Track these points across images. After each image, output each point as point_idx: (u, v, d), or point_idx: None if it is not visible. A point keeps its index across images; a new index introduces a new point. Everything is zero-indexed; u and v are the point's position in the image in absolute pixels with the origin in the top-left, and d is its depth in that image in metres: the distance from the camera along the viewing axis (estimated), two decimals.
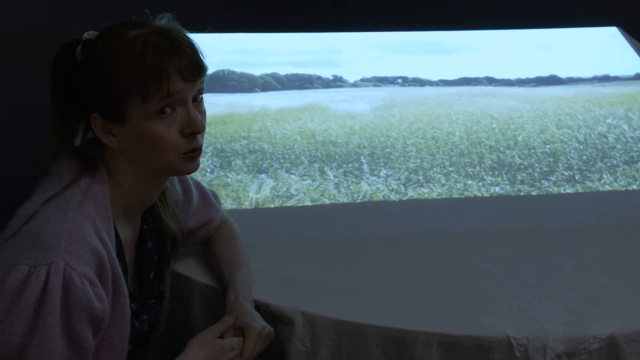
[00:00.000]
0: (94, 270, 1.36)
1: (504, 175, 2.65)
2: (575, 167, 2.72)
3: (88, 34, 1.45)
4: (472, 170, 2.69)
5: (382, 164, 2.75)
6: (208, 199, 1.87)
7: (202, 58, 1.47)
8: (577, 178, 2.63)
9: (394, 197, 2.51)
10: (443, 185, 2.58)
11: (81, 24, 1.53)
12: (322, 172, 2.66)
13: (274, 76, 3.77)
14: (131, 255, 1.58)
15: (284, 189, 2.54)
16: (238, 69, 3.81)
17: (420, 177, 2.63)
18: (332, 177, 2.62)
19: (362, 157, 2.80)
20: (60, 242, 1.34)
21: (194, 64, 1.44)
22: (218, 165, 2.73)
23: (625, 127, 3.12)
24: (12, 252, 1.35)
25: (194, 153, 1.47)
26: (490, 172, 2.67)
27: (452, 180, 2.62)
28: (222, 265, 1.82)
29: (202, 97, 1.50)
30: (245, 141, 2.96)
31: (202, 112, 1.49)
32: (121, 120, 1.42)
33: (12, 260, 1.33)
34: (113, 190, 1.48)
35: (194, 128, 1.44)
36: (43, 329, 1.31)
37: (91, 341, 1.38)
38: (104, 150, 1.48)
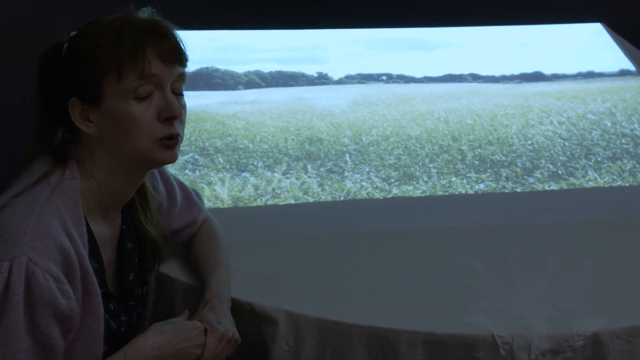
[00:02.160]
0: (60, 266, 1.34)
1: (488, 172, 2.64)
2: (560, 164, 2.72)
3: (74, 33, 1.46)
4: (456, 167, 2.68)
5: (366, 161, 2.74)
6: (192, 199, 1.85)
7: (184, 46, 1.46)
8: (561, 174, 2.63)
9: (378, 194, 2.50)
10: (427, 182, 2.57)
11: (69, 22, 1.53)
12: (306, 170, 2.65)
13: (258, 73, 3.75)
14: (111, 255, 1.56)
15: (267, 188, 2.53)
16: (222, 67, 3.80)
17: (404, 175, 2.62)
18: (315, 175, 2.61)
19: (346, 155, 2.79)
20: (24, 237, 1.32)
21: (174, 48, 1.43)
22: (200, 163, 2.71)
23: (609, 123, 3.13)
24: None
25: (171, 141, 1.45)
26: (474, 169, 2.67)
27: (436, 177, 2.61)
28: (201, 263, 1.81)
29: (182, 94, 1.48)
30: (229, 138, 2.94)
31: (182, 106, 1.47)
32: (97, 102, 1.41)
33: None
34: (86, 185, 1.45)
35: (170, 112, 1.43)
36: (7, 326, 1.29)
37: (58, 339, 1.35)
38: (79, 145, 1.47)
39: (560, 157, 2.77)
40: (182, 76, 1.46)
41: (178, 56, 1.44)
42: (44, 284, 1.31)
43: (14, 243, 1.32)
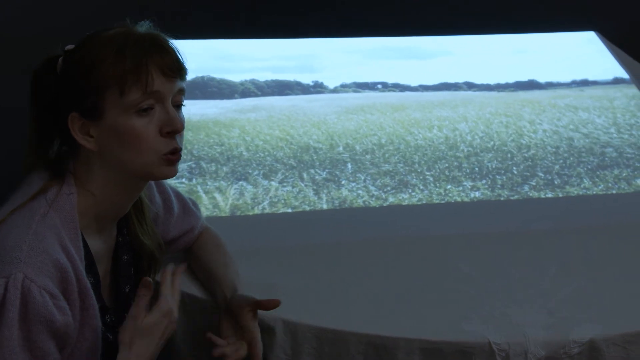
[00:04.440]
0: (56, 282, 1.34)
1: (484, 180, 2.65)
2: (555, 172, 2.73)
3: (69, 46, 1.45)
4: (452, 175, 2.69)
5: (361, 169, 2.74)
6: (188, 207, 1.85)
7: (183, 60, 1.47)
8: (556, 183, 2.64)
9: (374, 203, 2.50)
10: (422, 190, 2.58)
11: (62, 30, 1.53)
12: (302, 179, 2.65)
13: (254, 82, 3.76)
14: (106, 267, 1.56)
15: (263, 196, 2.53)
16: (217, 76, 3.81)
17: (400, 183, 2.63)
18: (311, 184, 2.61)
19: (341, 163, 2.79)
20: (20, 254, 1.32)
21: (175, 62, 1.44)
22: (197, 172, 2.72)
23: (604, 131, 3.14)
24: None
25: (174, 156, 1.45)
26: (470, 177, 2.67)
27: (432, 185, 2.62)
28: (216, 270, 1.80)
29: (181, 107, 1.49)
30: (225, 147, 2.95)
31: (181, 119, 1.48)
32: (98, 117, 1.40)
33: None
34: (83, 200, 1.45)
35: (173, 127, 1.43)
36: (1, 343, 1.29)
37: (55, 354, 1.35)
38: (77, 159, 1.46)
39: (555, 166, 2.78)
40: (182, 90, 1.47)
41: (179, 70, 1.45)
42: (40, 301, 1.31)
43: (10, 260, 1.31)
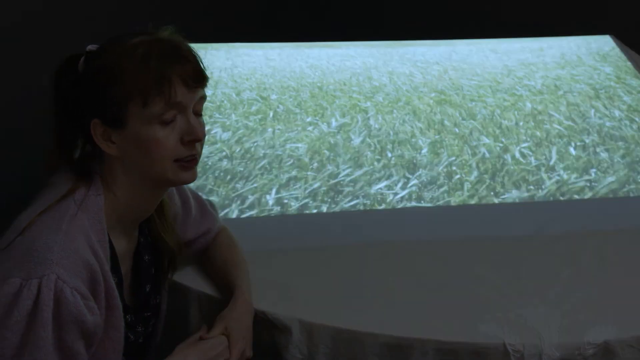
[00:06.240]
0: (86, 283, 1.37)
1: (499, 183, 2.66)
2: (571, 177, 2.73)
3: (91, 47, 1.46)
4: (467, 178, 2.70)
5: (377, 171, 2.75)
6: (206, 209, 1.87)
7: (204, 68, 1.48)
8: (568, 189, 2.64)
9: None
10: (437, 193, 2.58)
11: (84, 36, 1.54)
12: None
13: None
14: (127, 267, 1.58)
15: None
16: None
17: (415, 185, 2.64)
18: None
19: (353, 164, 2.80)
20: (52, 255, 1.33)
21: (197, 72, 1.45)
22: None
23: (619, 134, 3.13)
24: (4, 265, 1.35)
25: (190, 163, 1.47)
26: (485, 181, 2.68)
27: (446, 188, 2.62)
28: (225, 269, 1.82)
29: (201, 113, 1.50)
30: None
31: (201, 124, 1.49)
32: (121, 126, 1.42)
33: (4, 273, 1.33)
34: (109, 201, 1.47)
35: (193, 136, 1.45)
36: (35, 343, 1.31)
37: (84, 354, 1.38)
38: (102, 161, 1.48)
39: (568, 170, 2.78)
40: (202, 98, 1.48)
41: (201, 80, 1.46)
42: (72, 301, 1.33)
43: (43, 261, 1.33)
